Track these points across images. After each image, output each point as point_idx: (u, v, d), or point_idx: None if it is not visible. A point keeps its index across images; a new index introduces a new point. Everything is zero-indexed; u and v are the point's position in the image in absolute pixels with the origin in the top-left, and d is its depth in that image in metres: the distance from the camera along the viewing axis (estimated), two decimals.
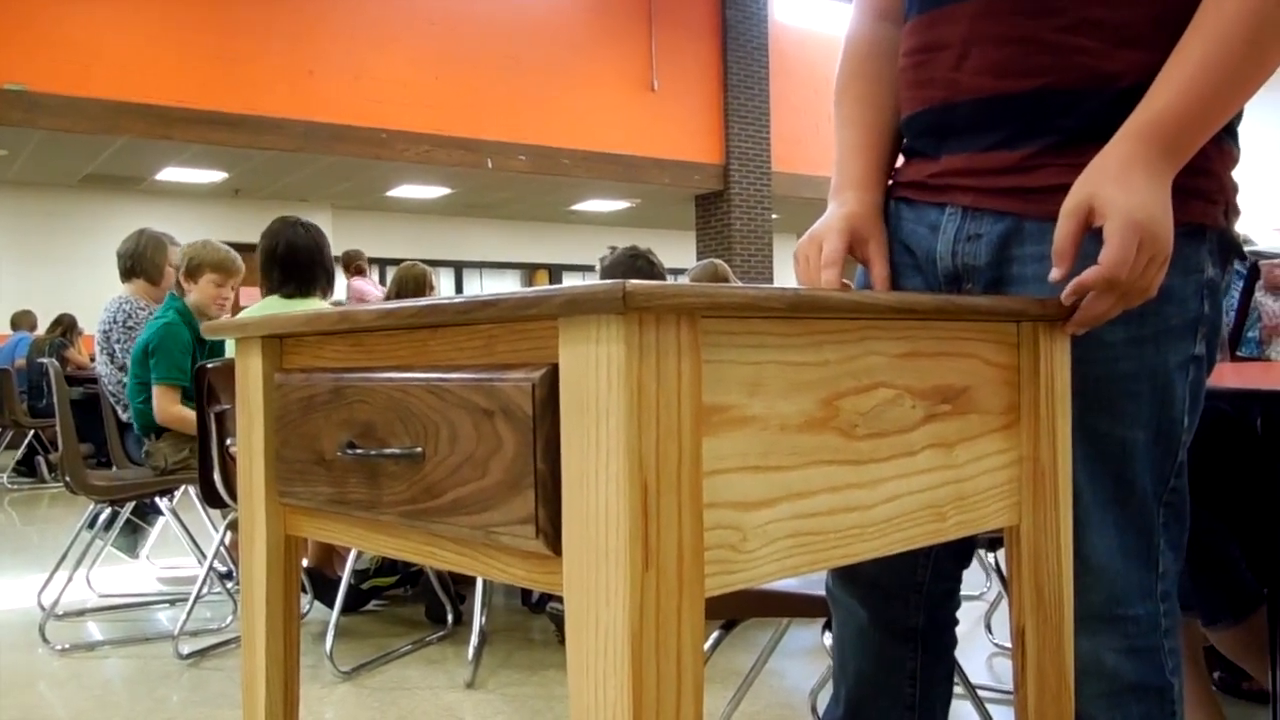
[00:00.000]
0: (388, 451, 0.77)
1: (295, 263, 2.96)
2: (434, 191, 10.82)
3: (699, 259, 11.09)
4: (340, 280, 7.88)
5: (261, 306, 2.98)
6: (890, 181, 1.14)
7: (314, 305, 2.97)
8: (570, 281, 14.03)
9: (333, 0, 8.61)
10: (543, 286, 0.66)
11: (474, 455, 0.71)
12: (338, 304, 6.88)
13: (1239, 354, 1.90)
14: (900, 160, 1.13)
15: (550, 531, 0.66)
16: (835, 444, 0.75)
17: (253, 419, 0.94)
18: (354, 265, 7.53)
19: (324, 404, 0.86)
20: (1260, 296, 1.80)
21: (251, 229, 10.46)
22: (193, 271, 3.22)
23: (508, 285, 13.66)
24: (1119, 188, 0.87)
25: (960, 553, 1.17)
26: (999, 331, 0.90)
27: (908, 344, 0.81)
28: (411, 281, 4.21)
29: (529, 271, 13.65)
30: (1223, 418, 1.56)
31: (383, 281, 11.53)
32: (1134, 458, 0.97)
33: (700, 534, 0.64)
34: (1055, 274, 0.89)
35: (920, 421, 0.82)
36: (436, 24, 9.05)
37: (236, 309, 3.53)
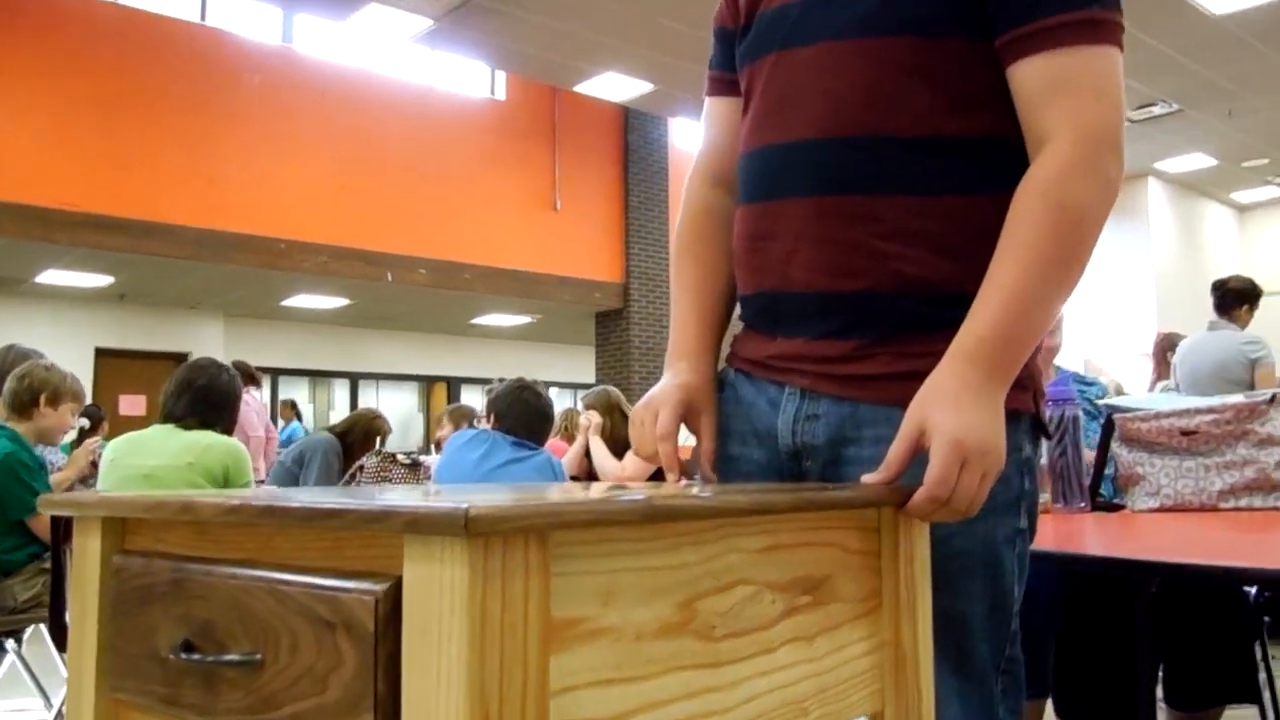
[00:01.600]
0: (225, 659, 0.73)
1: (209, 402, 2.90)
2: (332, 302, 10.69)
3: (598, 375, 11.16)
4: None
5: (158, 433, 2.89)
6: (730, 351, 1.18)
7: (210, 437, 2.86)
8: (469, 396, 13.88)
9: (237, 109, 8.59)
10: (387, 502, 0.64)
11: (314, 668, 0.68)
12: None
13: (1099, 499, 1.98)
14: (740, 327, 1.18)
15: None
16: (693, 648, 0.74)
17: (86, 604, 0.89)
18: (244, 375, 7.22)
19: (162, 595, 0.81)
20: (1116, 447, 1.88)
21: (136, 336, 10.16)
22: (55, 398, 3.09)
23: (405, 398, 13.44)
24: (946, 410, 0.91)
25: None
26: (859, 518, 0.92)
27: (768, 538, 0.82)
28: (365, 426, 4.12)
29: (427, 384, 13.48)
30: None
31: (272, 392, 11.25)
32: (972, 631, 1.00)
33: None
34: (875, 477, 0.92)
35: (780, 616, 0.82)
36: (342, 136, 9.10)
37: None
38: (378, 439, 4.23)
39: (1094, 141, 0.95)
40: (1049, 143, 0.96)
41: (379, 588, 0.64)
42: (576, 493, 0.86)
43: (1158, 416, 1.77)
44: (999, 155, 1.01)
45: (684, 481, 1.09)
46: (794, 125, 1.05)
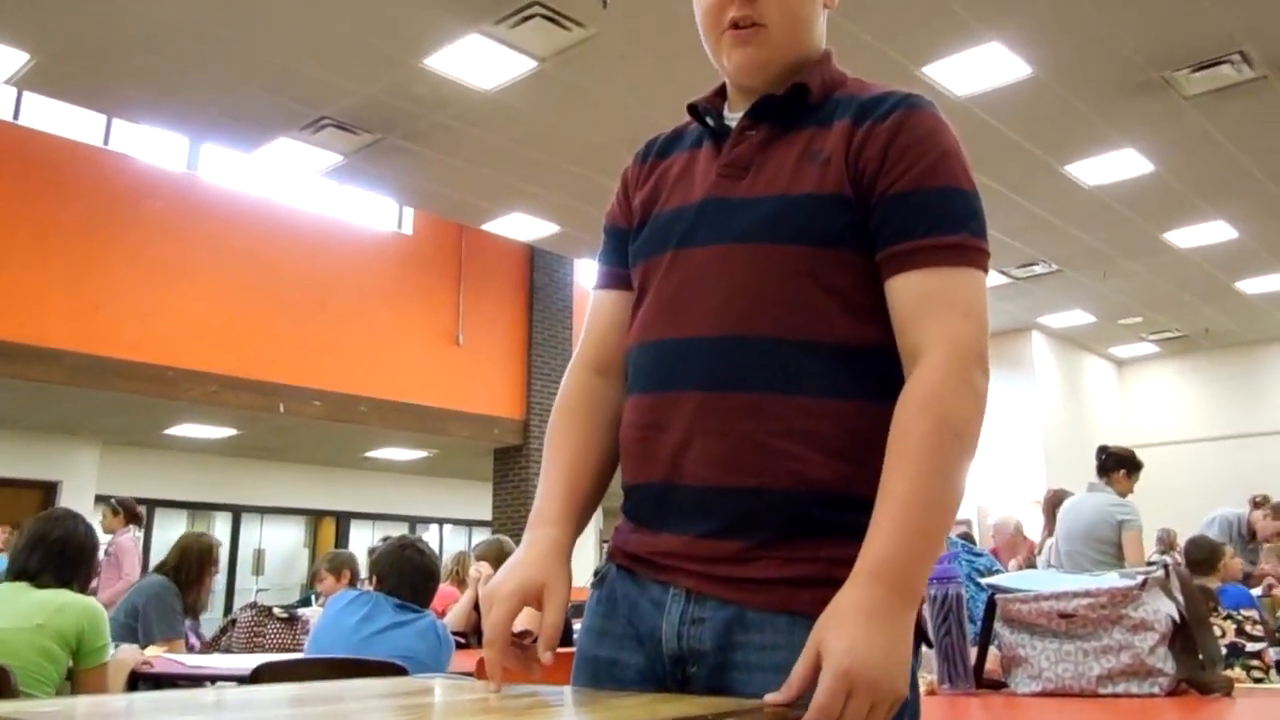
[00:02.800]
0: None
1: (64, 557, 2.72)
2: (218, 432, 10.32)
3: (494, 512, 10.95)
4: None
5: (7, 591, 2.68)
6: (610, 544, 1.15)
7: (64, 596, 2.67)
8: (358, 533, 13.45)
9: (133, 234, 8.43)
10: None
11: None
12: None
13: (983, 680, 1.96)
14: (622, 519, 1.14)
15: None
16: None
17: None
18: (128, 513, 6.64)
19: None
20: (999, 627, 1.88)
21: (5, 461, 9.60)
22: None
23: (291, 532, 12.92)
24: (839, 634, 0.90)
25: None
26: None
27: None
28: (197, 554, 3.86)
29: (314, 518, 12.99)
30: None
31: (147, 526, 10.67)
32: None
33: None
34: (776, 697, 0.90)
35: None
36: (242, 264, 8.97)
37: None
38: (211, 566, 3.91)
39: (963, 356, 1.00)
40: (923, 356, 1.00)
41: None
42: None
43: (1037, 599, 1.78)
44: (883, 364, 1.04)
45: (501, 690, 1.01)
46: (689, 321, 1.08)
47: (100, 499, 9.42)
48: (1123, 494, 4.81)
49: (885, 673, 0.90)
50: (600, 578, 1.15)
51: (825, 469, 1.01)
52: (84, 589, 2.78)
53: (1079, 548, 4.74)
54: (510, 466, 10.90)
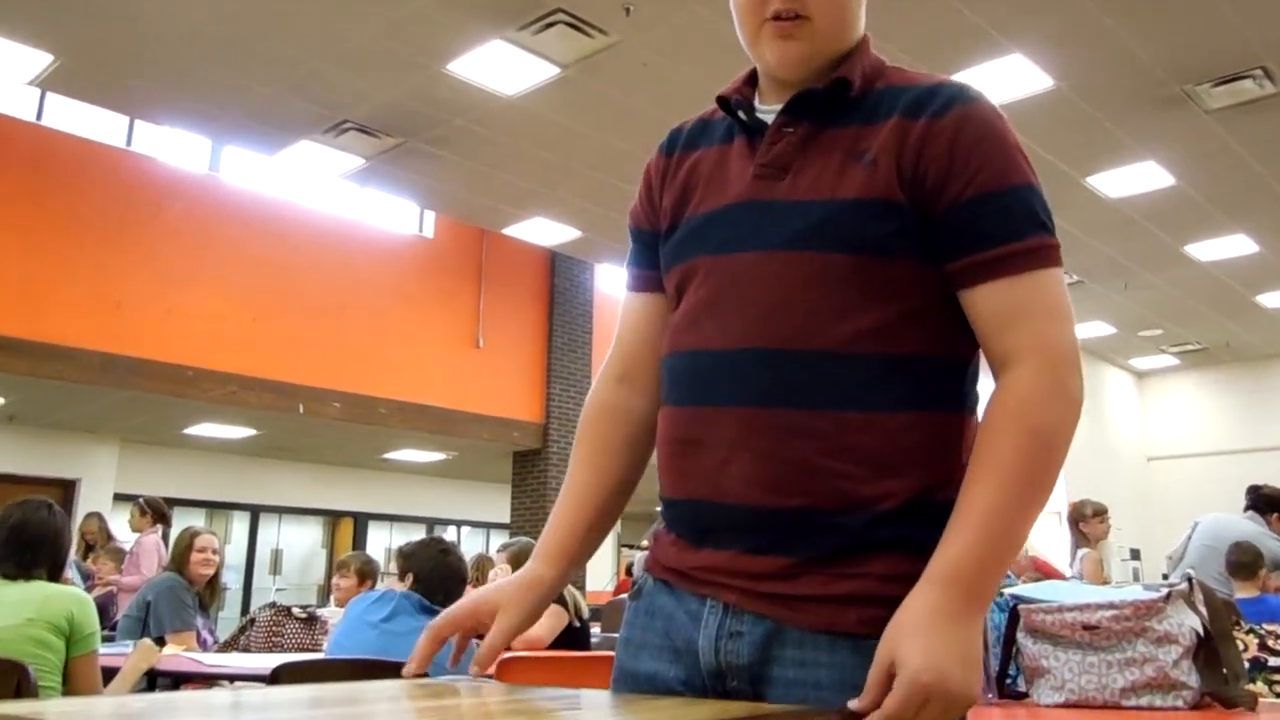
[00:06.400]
0: None
1: (21, 541, 2.65)
2: (238, 432, 10.38)
3: (513, 515, 10.97)
4: (120, 525, 7.26)
5: None
6: (649, 555, 1.14)
7: (48, 587, 2.64)
8: (375, 533, 13.49)
9: (154, 235, 8.50)
10: None
11: None
12: (121, 552, 6.23)
13: (1006, 690, 1.96)
14: (662, 528, 1.13)
15: None
16: None
17: None
18: (155, 513, 6.55)
19: None
20: (1021, 638, 1.88)
21: (24, 458, 9.69)
22: None
23: (308, 533, 12.98)
24: (914, 644, 0.89)
25: None
26: None
27: None
28: (183, 544, 3.96)
29: (332, 519, 13.04)
30: None
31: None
32: None
33: None
34: (855, 703, 0.91)
35: None
36: (263, 266, 9.03)
37: None
38: (193, 553, 4.02)
39: (1056, 362, 0.98)
40: (1013, 366, 0.98)
41: None
42: None
43: (1061, 610, 1.78)
44: (934, 374, 1.02)
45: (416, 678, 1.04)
46: (728, 332, 1.04)
47: (120, 497, 9.49)
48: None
49: (960, 681, 0.89)
50: (637, 590, 1.14)
51: (876, 486, 0.99)
52: (54, 578, 2.71)
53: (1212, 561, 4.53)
54: (529, 470, 10.91)
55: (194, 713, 0.85)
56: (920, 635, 0.90)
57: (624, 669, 1.11)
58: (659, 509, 1.14)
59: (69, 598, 2.64)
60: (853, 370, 1.00)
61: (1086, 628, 1.75)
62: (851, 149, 1.03)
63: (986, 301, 1.00)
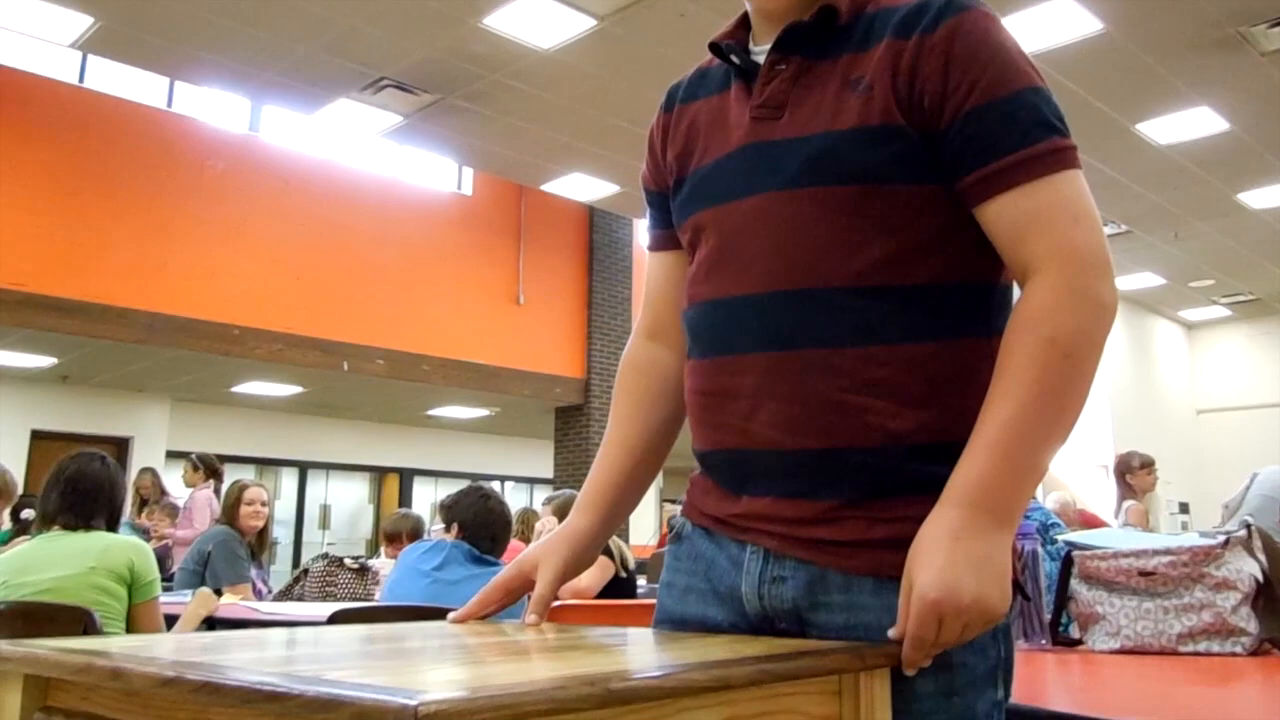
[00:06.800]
0: None
1: (79, 491, 2.72)
2: (284, 389, 10.53)
3: (556, 471, 11.06)
4: (174, 481, 7.40)
5: (43, 542, 2.68)
6: (685, 500, 1.14)
7: (107, 537, 2.71)
8: (421, 489, 13.66)
9: (196, 194, 8.58)
10: (334, 689, 0.60)
11: None
12: (174, 508, 6.39)
13: (1059, 637, 1.96)
14: (699, 473, 1.13)
15: None
16: None
17: None
18: (208, 468, 6.70)
19: None
20: (1075, 584, 1.87)
21: (77, 418, 9.92)
22: None
23: (355, 488, 13.19)
24: (925, 565, 0.90)
25: None
26: (819, 684, 0.89)
27: (726, 709, 0.78)
28: (232, 497, 4.03)
29: (379, 475, 13.24)
30: None
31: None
32: None
33: None
34: (891, 632, 0.92)
35: None
36: (303, 224, 9.10)
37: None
38: (242, 506, 4.23)
39: (1079, 265, 0.94)
40: (1033, 275, 0.95)
41: None
42: (532, 662, 0.83)
43: (1116, 556, 1.76)
44: (954, 300, 1.00)
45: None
46: (741, 278, 1.02)
47: (171, 454, 9.69)
48: None
49: (973, 592, 0.88)
50: (676, 533, 1.14)
51: (907, 419, 0.97)
52: (112, 528, 2.78)
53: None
54: (571, 425, 10.99)
55: (253, 647, 0.87)
56: (930, 554, 0.90)
57: (668, 611, 1.12)
58: None
59: (129, 546, 2.71)
60: (870, 303, 0.98)
61: (1143, 574, 1.74)
62: (845, 78, 1.01)
63: (1002, 215, 0.96)
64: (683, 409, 1.18)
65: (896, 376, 0.97)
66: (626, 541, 8.54)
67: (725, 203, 1.05)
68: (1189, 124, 7.62)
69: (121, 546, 2.69)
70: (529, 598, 1.15)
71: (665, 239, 1.21)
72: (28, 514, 5.15)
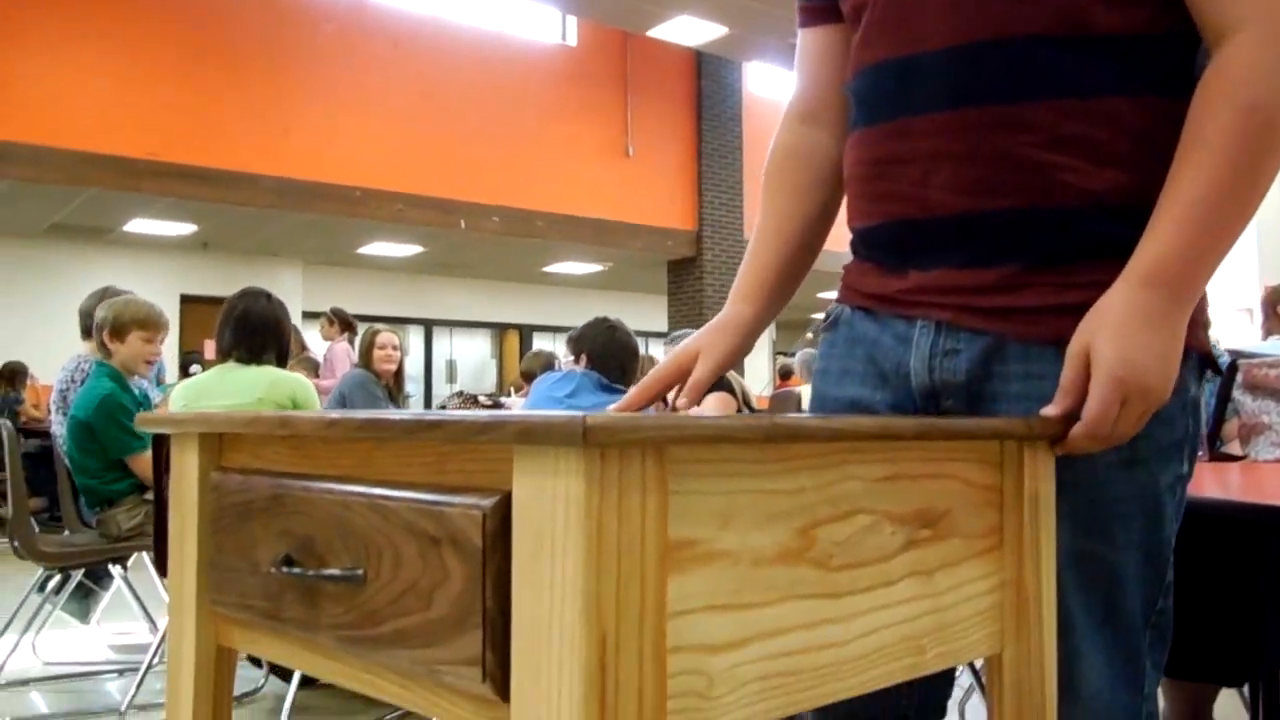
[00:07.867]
0: (326, 573, 0.71)
1: (248, 328, 2.94)
2: (406, 250, 10.78)
3: (670, 324, 11.11)
4: (315, 338, 7.72)
5: (218, 374, 2.96)
6: (842, 285, 1.10)
7: (275, 372, 2.92)
8: (540, 344, 14.03)
9: (310, 61, 8.64)
10: (497, 413, 0.60)
11: (418, 584, 0.65)
12: (314, 362, 6.74)
13: (1217, 450, 1.88)
14: (852, 261, 1.09)
15: (499, 676, 0.60)
16: (811, 577, 0.70)
17: (185, 521, 0.88)
18: (342, 322, 6.97)
19: (261, 511, 0.80)
20: (1239, 394, 1.78)
21: (219, 283, 10.41)
22: (119, 330, 3.14)
23: (478, 345, 13.57)
24: (1111, 340, 0.84)
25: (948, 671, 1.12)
26: (982, 451, 0.86)
27: (888, 466, 0.77)
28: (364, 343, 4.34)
29: (499, 331, 13.58)
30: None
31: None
32: (1125, 581, 0.93)
33: (663, 684, 0.59)
34: (1051, 410, 0.87)
35: (900, 549, 0.77)
36: (415, 84, 9.10)
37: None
38: (375, 350, 4.53)
39: None
40: (1231, 37, 0.85)
41: (486, 502, 0.61)
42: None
43: None
44: (1161, 52, 0.91)
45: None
46: (919, 34, 0.94)
47: (306, 315, 10.10)
48: None
49: (1159, 378, 0.84)
50: (832, 320, 1.10)
51: (1104, 179, 0.89)
52: (281, 363, 3.00)
53: None
54: (684, 278, 10.95)
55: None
56: (1115, 332, 0.84)
57: (824, 396, 1.09)
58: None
59: (292, 381, 2.93)
60: (1069, 54, 0.89)
61: None
62: None
63: None
64: (839, 196, 1.13)
65: (1095, 132, 0.90)
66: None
67: None
68: None
69: (286, 381, 2.91)
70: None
71: (820, 11, 1.12)
72: (195, 369, 5.55)
